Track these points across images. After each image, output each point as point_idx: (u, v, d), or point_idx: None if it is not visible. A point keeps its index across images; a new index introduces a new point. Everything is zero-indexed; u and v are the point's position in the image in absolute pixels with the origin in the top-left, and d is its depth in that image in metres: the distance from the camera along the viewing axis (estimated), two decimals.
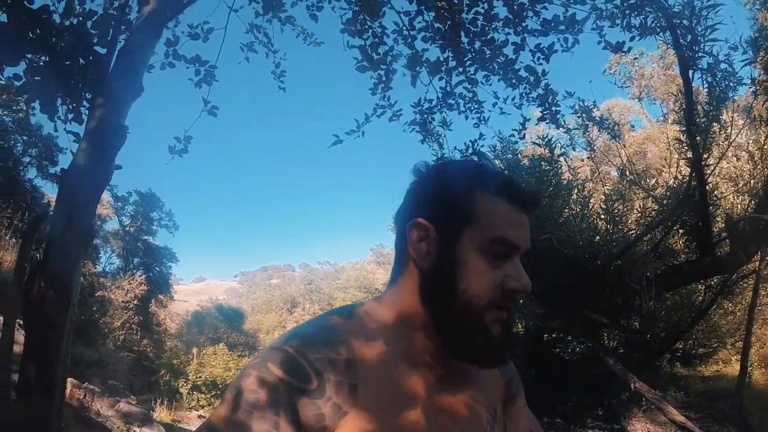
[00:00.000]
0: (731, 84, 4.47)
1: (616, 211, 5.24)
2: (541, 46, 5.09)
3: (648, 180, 7.82)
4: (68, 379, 9.46)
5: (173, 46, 5.40)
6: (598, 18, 4.76)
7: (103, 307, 16.99)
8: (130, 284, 18.94)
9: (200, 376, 16.89)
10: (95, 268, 18.39)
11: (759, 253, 5.19)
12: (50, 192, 14.27)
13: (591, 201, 5.62)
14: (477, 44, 5.26)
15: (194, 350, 20.83)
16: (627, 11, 4.48)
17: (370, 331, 0.80)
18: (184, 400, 16.56)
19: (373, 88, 5.62)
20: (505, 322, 0.81)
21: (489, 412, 0.89)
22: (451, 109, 5.69)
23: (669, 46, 4.71)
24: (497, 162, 5.68)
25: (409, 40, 5.39)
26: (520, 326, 5.70)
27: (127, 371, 16.89)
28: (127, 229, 21.30)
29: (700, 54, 4.26)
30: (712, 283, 5.95)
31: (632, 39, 4.63)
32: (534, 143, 5.86)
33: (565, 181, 5.47)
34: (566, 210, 5.34)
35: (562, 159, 5.51)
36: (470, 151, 5.42)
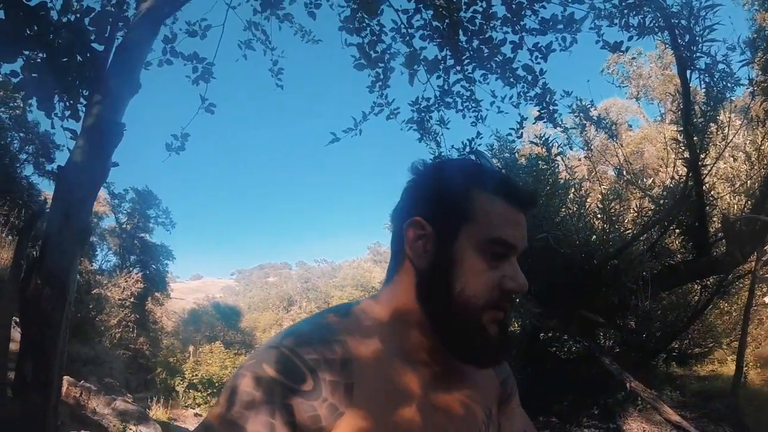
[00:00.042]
0: (729, 84, 4.47)
1: (612, 210, 5.25)
2: (539, 45, 5.10)
3: (645, 180, 7.84)
4: (64, 377, 9.45)
5: (171, 43, 5.39)
6: (597, 17, 4.76)
7: (99, 304, 16.96)
8: (126, 282, 18.92)
9: (197, 375, 16.88)
10: (92, 265, 18.36)
11: (755, 254, 5.20)
12: (47, 189, 14.27)
13: (588, 200, 5.63)
14: (475, 43, 5.27)
15: (191, 348, 20.83)
16: (625, 11, 4.48)
17: (366, 329, 0.80)
18: (181, 399, 16.55)
19: (371, 86, 5.61)
20: (502, 322, 0.81)
21: (485, 412, 0.89)
22: (448, 107, 5.69)
23: (667, 46, 4.72)
24: (494, 161, 5.69)
25: (407, 38, 5.39)
26: (516, 325, 5.71)
27: (124, 369, 16.86)
28: (124, 226, 21.28)
29: (698, 54, 4.26)
30: (708, 283, 5.96)
31: (630, 39, 4.65)
32: (531, 142, 5.87)
33: (562, 181, 5.48)
34: (563, 209, 5.34)
35: (559, 158, 5.52)
36: (467, 149, 5.43)
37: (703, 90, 4.59)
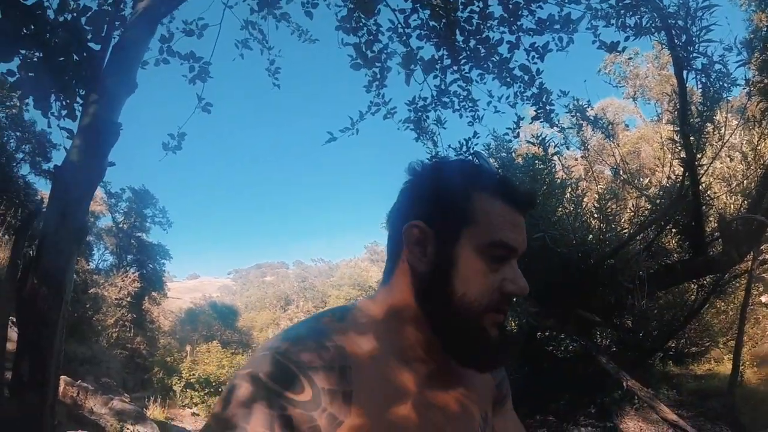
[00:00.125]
0: (725, 85, 4.49)
1: (609, 210, 5.27)
2: (536, 45, 5.10)
3: (641, 179, 7.86)
4: (61, 376, 9.44)
5: (168, 42, 5.38)
6: (593, 17, 4.76)
7: (96, 304, 16.93)
8: (123, 281, 18.88)
9: (194, 374, 16.84)
10: (88, 265, 18.32)
11: (751, 253, 5.22)
12: (43, 188, 14.24)
13: (584, 200, 5.64)
14: (472, 42, 5.27)
15: (188, 348, 20.77)
16: (622, 11, 4.48)
17: (364, 331, 0.79)
18: (178, 398, 16.52)
19: (368, 85, 5.62)
20: (501, 324, 0.81)
21: (481, 414, 0.89)
22: (445, 107, 5.69)
23: (664, 46, 4.73)
24: (491, 160, 5.68)
25: (404, 38, 5.38)
26: (513, 324, 5.72)
27: (121, 369, 16.84)
28: (121, 226, 21.23)
29: (694, 54, 4.27)
30: (705, 282, 5.99)
31: (627, 39, 4.65)
32: (528, 142, 5.88)
33: (558, 180, 5.50)
34: (560, 209, 5.36)
35: (555, 158, 5.54)
36: (464, 149, 5.44)
37: (700, 90, 4.60)
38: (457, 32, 5.24)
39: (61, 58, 4.14)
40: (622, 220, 5.76)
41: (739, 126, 6.35)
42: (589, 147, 6.74)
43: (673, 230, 5.46)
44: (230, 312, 28.09)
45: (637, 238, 5.28)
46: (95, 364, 14.54)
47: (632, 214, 5.86)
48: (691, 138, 4.52)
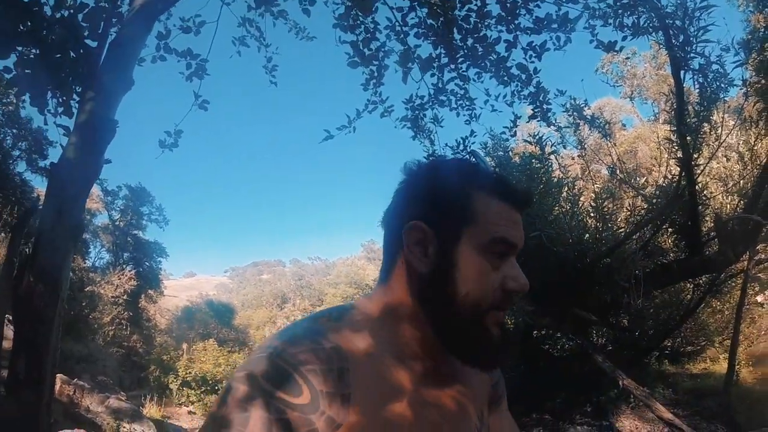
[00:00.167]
0: (722, 85, 4.50)
1: (605, 209, 5.28)
2: (534, 44, 5.12)
3: (638, 179, 7.87)
4: (58, 375, 9.41)
5: (164, 39, 5.38)
6: (591, 17, 4.78)
7: (92, 302, 16.92)
8: (119, 279, 18.88)
9: (190, 372, 16.84)
10: (85, 263, 18.31)
11: (747, 253, 5.23)
12: (40, 186, 14.15)
13: (581, 199, 5.65)
14: (469, 41, 5.28)
15: (184, 346, 20.79)
16: (620, 11, 4.50)
17: (363, 335, 0.79)
18: (174, 396, 16.53)
19: (365, 83, 5.62)
20: (502, 322, 0.82)
21: (477, 414, 0.89)
22: (442, 105, 5.71)
23: (661, 46, 4.74)
24: (488, 159, 5.70)
25: (402, 36, 5.39)
26: (510, 323, 5.73)
27: (117, 367, 16.83)
28: (117, 223, 21.20)
29: (692, 54, 4.28)
30: (701, 281, 6.00)
31: (624, 38, 4.66)
32: (525, 141, 5.89)
33: (555, 179, 5.50)
34: (556, 208, 5.37)
35: (552, 157, 5.54)
36: (461, 147, 5.45)
37: (697, 90, 4.61)
38: (455, 31, 5.25)
39: (58, 55, 4.13)
40: (619, 220, 5.77)
41: (736, 126, 6.37)
42: (585, 146, 6.74)
43: (670, 230, 5.47)
44: (227, 310, 28.15)
45: (634, 237, 5.29)
46: (91, 362, 14.54)
47: (629, 213, 5.88)
48: (688, 138, 4.53)
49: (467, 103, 5.68)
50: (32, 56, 4.10)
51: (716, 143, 5.28)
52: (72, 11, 4.16)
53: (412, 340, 0.81)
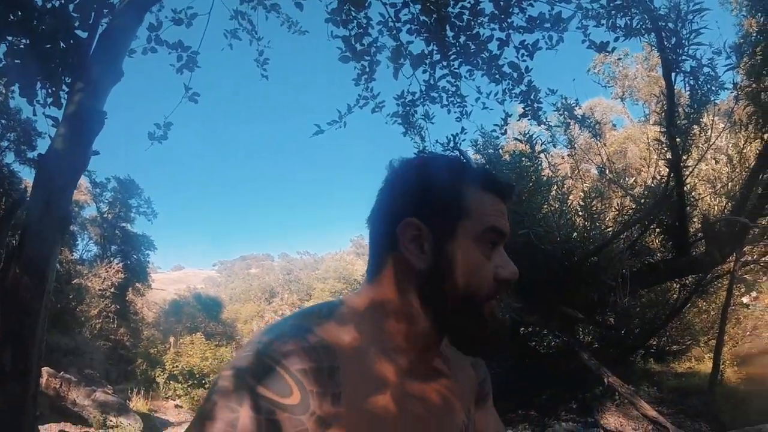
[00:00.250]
0: (713, 88, 4.54)
1: (594, 208, 5.30)
2: (526, 42, 5.14)
3: (627, 179, 7.93)
4: (45, 368, 9.38)
5: (156, 30, 5.33)
6: (584, 17, 4.80)
7: (79, 294, 16.82)
8: (107, 272, 18.76)
9: (177, 366, 16.79)
10: (72, 255, 18.18)
11: (734, 255, 5.29)
12: (28, 177, 14.03)
13: (570, 198, 5.68)
14: (462, 38, 5.29)
15: (171, 339, 20.71)
16: (612, 12, 4.52)
17: (352, 332, 0.79)
18: (161, 390, 16.48)
19: (357, 79, 5.62)
20: (497, 311, 0.83)
21: (464, 411, 0.90)
22: (433, 102, 5.72)
23: (653, 48, 4.76)
24: (478, 157, 5.74)
25: (394, 32, 5.39)
26: None
27: (104, 360, 16.77)
28: (105, 215, 21.05)
29: (683, 57, 4.32)
30: (687, 282, 6.06)
31: (617, 39, 4.69)
32: (515, 139, 5.91)
33: (544, 178, 5.52)
34: (545, 206, 5.39)
35: (542, 155, 5.56)
36: (452, 144, 5.46)
37: (688, 92, 4.65)
38: (448, 28, 5.25)
39: (48, 45, 4.10)
40: (607, 219, 5.81)
41: (725, 129, 6.42)
42: (575, 145, 6.77)
43: (657, 230, 5.51)
44: (214, 304, 28.00)
45: (621, 236, 5.32)
46: (78, 355, 14.48)
47: (617, 213, 5.92)
48: (678, 139, 4.56)
49: (458, 100, 5.70)
50: (22, 46, 4.07)
51: (705, 145, 5.32)
52: (63, 1, 4.12)
53: (398, 336, 0.81)
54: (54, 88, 4.45)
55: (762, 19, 4.51)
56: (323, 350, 0.73)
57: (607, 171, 6.61)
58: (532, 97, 5.37)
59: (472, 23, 5.19)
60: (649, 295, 6.20)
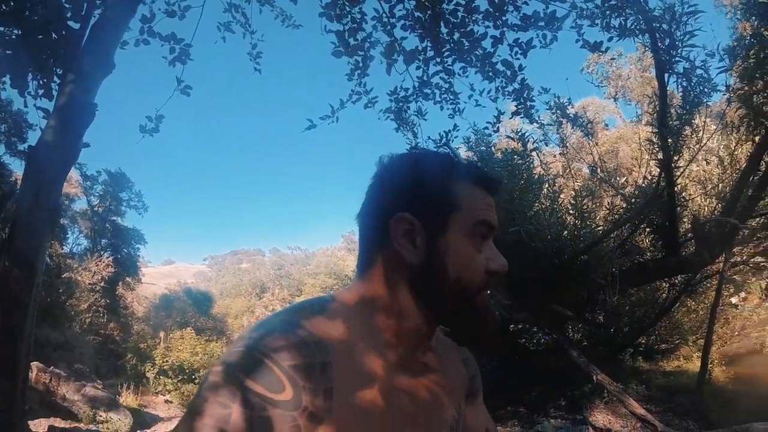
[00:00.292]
0: (706, 90, 4.58)
1: (585, 207, 5.32)
2: (520, 40, 5.15)
3: (618, 178, 7.97)
4: (34, 362, 9.34)
5: (149, 22, 5.30)
6: (578, 17, 4.83)
7: (69, 288, 16.72)
8: (97, 266, 18.65)
9: (167, 361, 16.74)
10: (62, 248, 18.05)
11: (723, 255, 5.33)
12: (19, 170, 13.90)
13: (561, 196, 5.70)
14: (456, 35, 5.29)
15: (161, 334, 20.63)
16: (607, 12, 4.54)
17: (344, 327, 0.79)
18: (151, 385, 16.42)
19: (350, 74, 5.61)
20: (489, 302, 0.85)
21: (455, 406, 0.91)
22: (426, 98, 5.73)
23: (647, 48, 4.78)
24: (471, 154, 5.76)
25: (389, 27, 5.39)
26: None
27: (94, 355, 16.68)
28: (96, 209, 20.87)
29: (677, 58, 4.33)
30: (676, 281, 6.10)
31: (611, 39, 4.72)
32: (508, 137, 5.92)
33: (536, 176, 5.54)
34: (536, 204, 5.40)
35: (534, 154, 5.57)
36: (444, 141, 5.47)
37: (680, 94, 4.67)
38: (442, 24, 5.26)
39: (40, 36, 4.06)
40: (598, 218, 5.84)
41: (717, 131, 6.46)
42: (567, 144, 6.80)
43: (647, 229, 5.54)
44: (205, 298, 27.88)
45: (612, 235, 5.35)
46: (68, 349, 14.41)
47: (607, 212, 5.95)
48: (669, 140, 4.59)
49: (451, 97, 5.71)
50: (14, 37, 4.03)
51: (697, 146, 5.36)
52: None
53: (388, 332, 0.82)
54: (45, 80, 4.42)
55: (756, 22, 4.53)
56: (315, 345, 0.73)
57: (599, 170, 6.64)
58: (525, 95, 5.39)
59: (467, 20, 5.19)
60: (639, 294, 6.24)
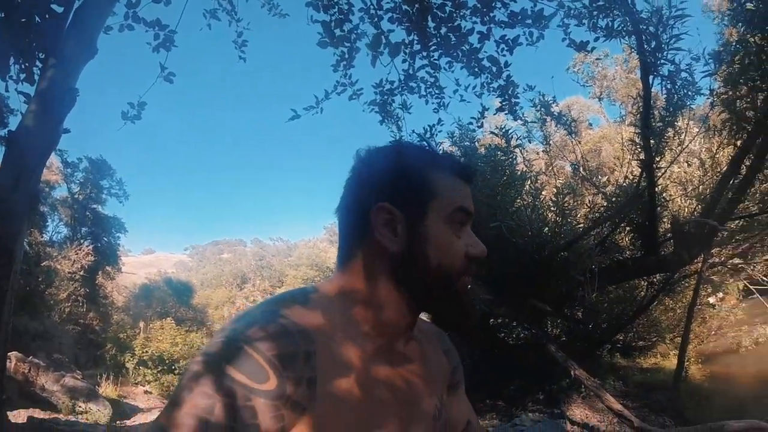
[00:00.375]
0: (690, 93, 4.65)
1: (566, 204, 5.37)
2: (507, 37, 5.18)
3: (600, 177, 8.02)
4: (12, 352, 9.21)
5: (134, 8, 5.22)
6: (566, 16, 4.86)
7: (48, 277, 16.49)
8: (77, 254, 18.40)
9: (147, 351, 16.59)
10: (42, 236, 17.77)
11: (702, 256, 5.40)
12: None
13: (543, 193, 5.76)
14: (443, 30, 5.30)
15: (141, 324, 20.45)
16: (594, 12, 4.57)
17: (327, 317, 0.79)
18: (131, 375, 16.28)
19: (335, 65, 5.59)
20: (468, 287, 0.87)
21: (437, 396, 0.91)
22: (412, 92, 5.74)
23: (633, 50, 4.83)
24: (454, 148, 5.78)
25: (375, 19, 5.37)
26: None
27: (73, 344, 16.50)
28: (76, 196, 20.56)
29: (662, 61, 4.38)
30: (655, 280, 6.18)
31: (597, 39, 4.76)
32: (492, 133, 5.96)
33: (519, 172, 5.59)
34: (518, 200, 5.45)
35: (517, 150, 5.62)
36: (429, 135, 5.49)
37: (665, 96, 4.73)
38: (429, 18, 5.26)
39: (23, 19, 4.00)
40: (578, 215, 5.89)
41: (699, 133, 6.55)
42: (551, 142, 6.85)
43: (627, 228, 5.61)
44: (185, 289, 27.63)
45: (592, 233, 5.42)
46: (47, 339, 14.23)
47: (588, 210, 6.02)
48: (652, 141, 4.65)
49: (437, 91, 5.73)
50: None
51: (679, 148, 5.43)
52: None
53: (366, 323, 0.82)
54: (27, 64, 4.34)
55: (743, 29, 4.59)
56: (299, 334, 0.73)
57: (581, 168, 6.70)
58: (509, 92, 5.42)
59: (454, 15, 5.21)
60: (617, 292, 6.33)
